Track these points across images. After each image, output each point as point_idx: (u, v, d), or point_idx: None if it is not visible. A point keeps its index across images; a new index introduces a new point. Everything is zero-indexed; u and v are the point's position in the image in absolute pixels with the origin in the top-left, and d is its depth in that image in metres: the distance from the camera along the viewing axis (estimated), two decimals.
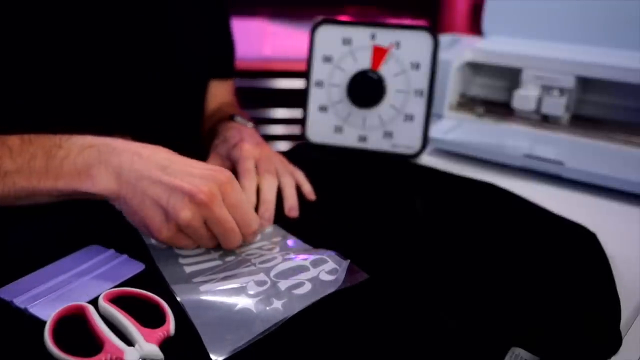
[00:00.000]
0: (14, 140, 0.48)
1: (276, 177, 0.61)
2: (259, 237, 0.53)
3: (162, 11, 0.68)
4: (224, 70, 0.84)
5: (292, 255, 0.48)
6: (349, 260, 0.47)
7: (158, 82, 0.68)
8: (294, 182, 0.62)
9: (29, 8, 0.56)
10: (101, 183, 0.46)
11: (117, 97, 0.64)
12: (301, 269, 0.46)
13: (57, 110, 0.60)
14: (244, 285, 0.44)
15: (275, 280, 0.45)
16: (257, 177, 0.59)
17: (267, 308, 0.42)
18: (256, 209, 0.56)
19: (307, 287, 0.44)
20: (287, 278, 0.45)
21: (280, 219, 0.57)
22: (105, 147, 0.47)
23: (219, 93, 0.83)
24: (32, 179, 0.47)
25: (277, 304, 0.42)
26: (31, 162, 0.47)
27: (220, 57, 0.82)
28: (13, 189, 0.47)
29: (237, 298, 0.43)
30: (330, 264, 0.47)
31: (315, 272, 0.46)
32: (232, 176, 0.48)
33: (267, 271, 0.46)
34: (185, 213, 0.45)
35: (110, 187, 0.46)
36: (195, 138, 0.79)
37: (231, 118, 0.71)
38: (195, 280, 0.45)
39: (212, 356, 0.37)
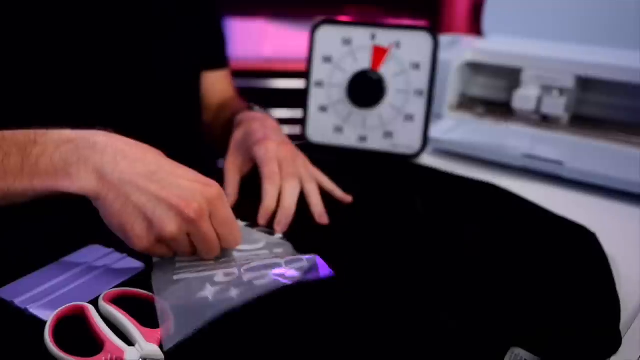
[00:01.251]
0: None
1: (299, 183, 0.59)
2: (262, 244, 0.51)
3: (148, 4, 0.67)
4: (217, 61, 0.83)
5: (275, 260, 0.48)
6: (316, 256, 0.47)
7: (147, 76, 0.67)
8: (317, 188, 0.60)
9: (12, 6, 0.56)
10: (80, 181, 0.43)
11: (106, 93, 0.64)
12: (274, 265, 0.46)
13: (44, 106, 0.59)
14: (212, 274, 0.44)
15: (242, 273, 0.45)
16: (280, 181, 0.58)
17: (222, 297, 0.42)
18: (274, 213, 0.56)
19: (269, 278, 0.44)
20: (255, 271, 0.45)
21: (299, 225, 0.55)
22: (84, 142, 0.44)
23: (218, 84, 0.82)
24: (7, 179, 0.43)
25: (234, 292, 0.42)
26: (5, 160, 0.43)
27: (211, 47, 0.81)
28: None
29: (200, 286, 0.43)
30: (304, 263, 0.47)
31: (286, 268, 0.46)
32: (222, 191, 0.46)
33: (240, 266, 0.46)
34: (171, 227, 0.43)
35: (90, 187, 0.43)
36: (189, 133, 0.78)
37: (250, 108, 0.69)
38: (178, 272, 0.46)
39: (163, 344, 0.38)
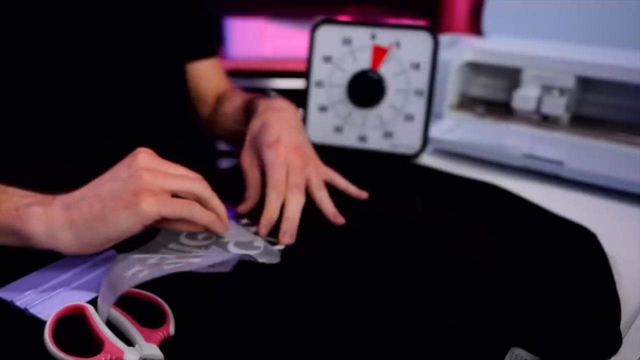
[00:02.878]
0: None
1: (303, 194, 0.57)
2: (258, 251, 0.50)
3: None
4: (203, 50, 0.80)
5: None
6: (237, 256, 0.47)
7: (133, 67, 0.67)
8: (327, 193, 0.59)
9: None
10: (41, 221, 0.43)
11: (93, 87, 0.63)
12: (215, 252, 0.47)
13: (29, 101, 0.59)
14: (148, 257, 0.45)
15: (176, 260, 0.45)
16: (286, 190, 0.56)
17: (135, 276, 0.42)
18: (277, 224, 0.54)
19: (180, 264, 0.44)
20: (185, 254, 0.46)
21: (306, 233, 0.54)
22: (45, 196, 0.45)
23: (211, 75, 0.80)
24: None
25: (145, 272, 0.42)
26: None
27: (195, 36, 0.78)
28: None
29: (130, 266, 0.44)
30: (226, 257, 0.46)
31: (205, 257, 0.46)
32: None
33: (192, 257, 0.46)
34: (140, 157, 0.45)
35: (51, 221, 0.43)
36: (180, 132, 0.77)
37: (265, 93, 0.67)
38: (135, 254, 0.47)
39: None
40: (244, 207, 0.58)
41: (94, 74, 0.63)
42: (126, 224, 0.43)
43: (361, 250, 0.51)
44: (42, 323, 0.38)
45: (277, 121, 0.60)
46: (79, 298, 0.42)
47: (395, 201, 0.62)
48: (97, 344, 0.38)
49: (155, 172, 0.45)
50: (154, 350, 0.37)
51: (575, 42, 0.83)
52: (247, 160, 0.60)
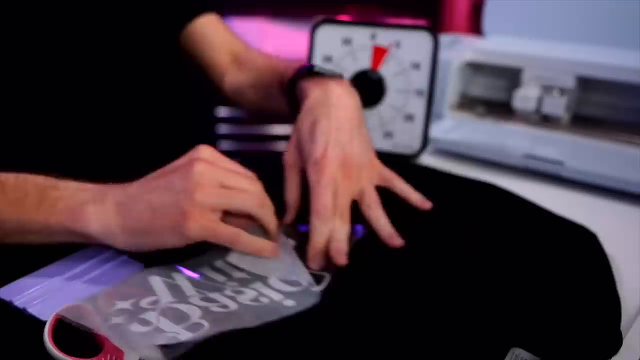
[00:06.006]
0: (8, 177, 0.46)
1: (349, 220, 0.51)
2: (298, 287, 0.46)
3: None
4: (200, 4, 0.74)
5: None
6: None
7: (129, 58, 0.65)
8: (381, 211, 0.53)
9: None
10: (96, 221, 0.44)
11: (90, 80, 0.63)
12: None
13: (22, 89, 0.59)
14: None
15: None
16: (332, 218, 0.50)
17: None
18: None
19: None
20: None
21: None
22: (98, 189, 0.46)
23: (216, 32, 0.74)
24: (22, 216, 0.44)
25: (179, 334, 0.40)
26: (24, 199, 0.45)
27: None
28: (4, 225, 0.45)
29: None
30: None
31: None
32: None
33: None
34: (197, 168, 0.44)
35: (106, 221, 0.44)
36: (177, 123, 0.76)
37: (311, 72, 0.58)
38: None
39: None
40: (288, 218, 0.54)
41: (89, 67, 0.63)
42: (170, 241, 0.44)
43: (360, 250, 0.51)
44: (42, 323, 0.38)
45: (326, 125, 0.53)
46: (79, 298, 0.42)
47: (395, 201, 0.62)
48: (97, 344, 0.38)
49: (208, 189, 0.44)
50: (154, 351, 0.37)
51: (575, 42, 0.83)
52: (291, 160, 0.55)
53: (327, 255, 0.49)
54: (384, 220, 0.53)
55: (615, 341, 0.40)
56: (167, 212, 0.43)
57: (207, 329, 0.39)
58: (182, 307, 0.42)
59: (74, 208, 0.44)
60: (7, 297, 0.42)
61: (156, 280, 0.45)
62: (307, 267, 0.48)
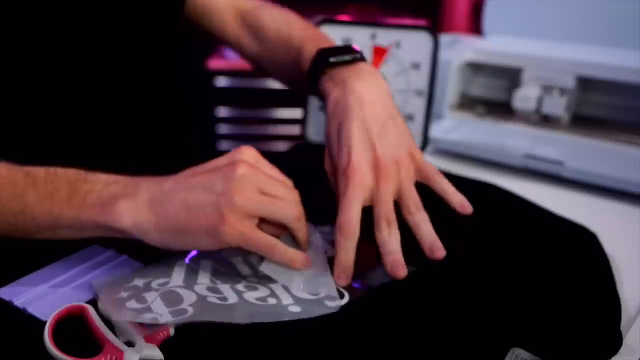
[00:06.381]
0: (38, 171, 0.45)
1: (395, 224, 0.48)
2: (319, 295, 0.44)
3: None
4: None
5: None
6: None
7: (127, 55, 0.63)
8: (425, 216, 0.50)
9: None
10: (128, 216, 0.43)
11: (89, 79, 0.61)
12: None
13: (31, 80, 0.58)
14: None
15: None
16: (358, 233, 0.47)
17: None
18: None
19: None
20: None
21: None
22: (131, 182, 0.45)
23: None
24: (53, 211, 0.44)
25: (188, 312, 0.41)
26: (54, 193, 0.44)
27: None
28: (34, 222, 0.44)
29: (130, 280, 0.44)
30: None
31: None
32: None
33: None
34: (240, 170, 0.43)
35: (138, 217, 0.43)
36: (177, 123, 0.75)
37: (328, 62, 0.54)
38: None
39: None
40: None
41: (89, 65, 0.61)
42: (204, 243, 0.43)
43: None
44: (42, 323, 0.38)
45: (347, 129, 0.50)
46: (79, 298, 0.42)
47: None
48: (97, 344, 0.38)
49: (249, 194, 0.43)
50: (154, 351, 0.37)
51: (575, 42, 0.83)
52: (328, 168, 0.53)
53: (351, 271, 0.47)
54: (425, 227, 0.49)
55: (615, 341, 0.40)
56: (203, 212, 0.42)
57: (189, 315, 0.40)
58: (183, 292, 0.42)
59: (104, 203, 0.43)
60: (7, 297, 0.42)
61: (181, 264, 0.46)
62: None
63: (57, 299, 0.42)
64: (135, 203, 0.43)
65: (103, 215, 0.43)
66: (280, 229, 0.46)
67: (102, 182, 0.45)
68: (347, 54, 0.54)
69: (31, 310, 0.41)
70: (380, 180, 0.48)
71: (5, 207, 0.44)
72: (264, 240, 0.44)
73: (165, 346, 0.38)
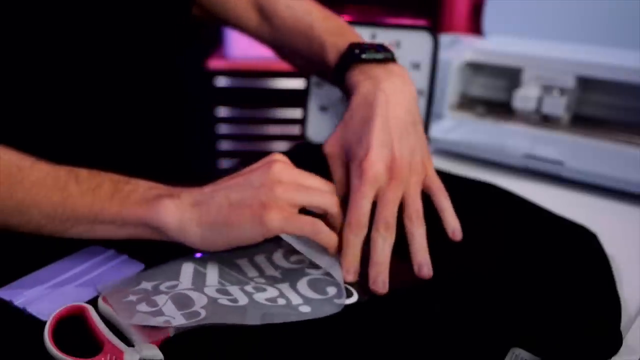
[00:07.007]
0: (81, 169, 0.46)
1: (393, 231, 0.48)
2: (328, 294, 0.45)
3: None
4: None
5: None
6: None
7: (130, 57, 0.63)
8: (422, 231, 0.49)
9: None
10: (173, 213, 0.44)
11: (91, 80, 0.61)
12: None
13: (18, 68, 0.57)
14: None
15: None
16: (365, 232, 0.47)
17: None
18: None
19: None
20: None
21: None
22: (172, 188, 0.46)
23: None
24: (95, 205, 0.44)
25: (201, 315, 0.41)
26: (97, 189, 0.45)
27: None
28: (73, 214, 0.44)
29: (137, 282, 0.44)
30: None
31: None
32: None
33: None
34: (276, 167, 0.45)
35: (182, 215, 0.44)
36: (178, 124, 0.75)
37: (359, 58, 0.54)
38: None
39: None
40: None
41: (89, 65, 0.62)
42: (249, 234, 0.44)
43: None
44: (42, 323, 0.38)
45: (372, 125, 0.49)
46: (79, 298, 0.42)
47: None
48: (97, 344, 0.38)
49: (287, 185, 0.45)
50: (154, 351, 0.37)
51: (575, 42, 0.83)
52: (333, 151, 0.52)
53: (358, 267, 0.47)
54: (420, 241, 0.49)
55: (615, 341, 0.40)
56: (246, 204, 0.44)
57: (201, 318, 0.40)
58: (193, 294, 0.43)
59: (149, 200, 0.45)
60: (7, 297, 0.42)
61: (188, 267, 0.46)
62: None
63: (57, 299, 0.42)
64: (180, 202, 0.45)
65: (148, 212, 0.44)
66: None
67: (144, 185, 0.46)
68: (380, 52, 0.55)
69: (31, 310, 0.41)
70: (392, 180, 0.49)
71: (45, 198, 0.44)
72: (309, 219, 0.45)
73: (165, 346, 0.38)
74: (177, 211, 0.44)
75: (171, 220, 0.44)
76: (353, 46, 0.56)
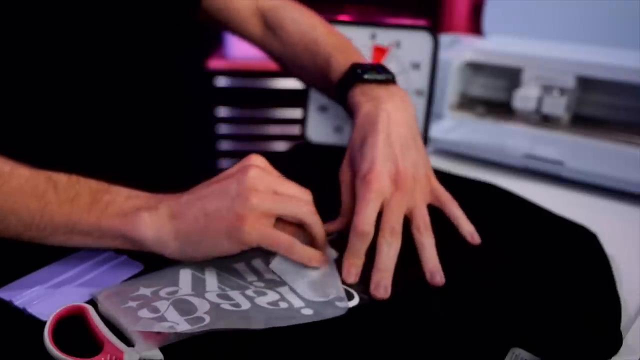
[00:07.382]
0: (60, 176, 0.46)
1: (399, 237, 0.48)
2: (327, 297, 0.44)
3: None
4: None
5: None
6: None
7: (131, 57, 0.63)
8: (430, 239, 0.49)
9: None
10: (150, 227, 0.44)
11: (91, 80, 0.61)
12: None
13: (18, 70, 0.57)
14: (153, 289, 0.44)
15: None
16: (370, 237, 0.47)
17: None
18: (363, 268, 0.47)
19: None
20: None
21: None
22: (152, 197, 0.46)
23: None
24: (72, 215, 0.44)
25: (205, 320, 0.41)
26: (75, 199, 0.44)
27: None
28: (51, 223, 0.44)
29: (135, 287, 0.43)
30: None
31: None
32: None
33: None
34: (252, 173, 0.44)
35: (159, 228, 0.44)
36: (178, 124, 0.75)
37: (361, 79, 0.56)
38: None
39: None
40: (331, 227, 0.52)
41: (90, 65, 0.62)
42: (226, 248, 0.44)
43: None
44: (42, 323, 0.38)
45: (375, 141, 0.51)
46: (79, 298, 0.42)
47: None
48: (97, 344, 0.38)
49: (263, 195, 0.44)
50: (154, 351, 0.37)
51: (575, 42, 0.83)
52: (344, 177, 0.54)
53: (360, 270, 0.47)
54: (430, 250, 0.49)
55: (615, 341, 0.40)
56: (222, 216, 0.43)
57: (206, 323, 0.39)
58: (195, 300, 0.42)
59: (127, 212, 0.44)
60: (7, 297, 0.42)
61: (186, 273, 0.46)
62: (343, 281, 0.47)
63: (57, 299, 0.42)
64: (156, 214, 0.44)
65: (125, 225, 0.44)
66: (295, 230, 0.47)
67: (124, 195, 0.46)
68: (381, 74, 0.56)
69: (31, 310, 0.41)
70: (397, 191, 0.49)
71: (23, 206, 0.44)
72: (283, 238, 0.45)
73: (165, 346, 0.38)
74: (153, 225, 0.44)
75: (149, 234, 0.44)
76: (355, 66, 0.57)
